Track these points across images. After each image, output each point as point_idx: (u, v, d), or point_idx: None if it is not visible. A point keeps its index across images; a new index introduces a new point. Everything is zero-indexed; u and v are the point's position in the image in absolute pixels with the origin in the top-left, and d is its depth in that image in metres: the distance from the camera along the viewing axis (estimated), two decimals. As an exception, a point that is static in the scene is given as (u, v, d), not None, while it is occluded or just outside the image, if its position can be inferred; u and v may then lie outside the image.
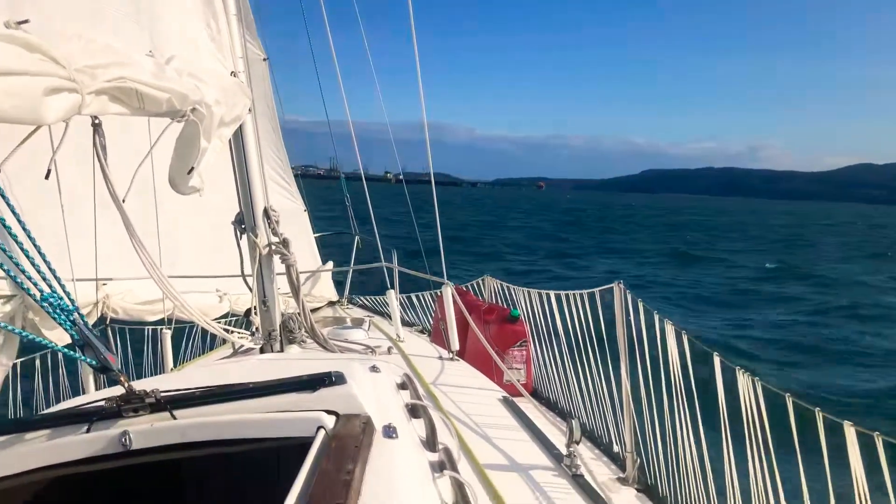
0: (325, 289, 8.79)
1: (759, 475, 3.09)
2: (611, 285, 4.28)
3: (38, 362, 6.19)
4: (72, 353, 1.88)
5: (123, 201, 2.55)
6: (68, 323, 1.84)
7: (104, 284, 5.13)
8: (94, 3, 2.89)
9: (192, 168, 2.89)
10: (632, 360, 4.26)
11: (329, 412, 2.00)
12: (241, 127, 4.07)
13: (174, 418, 1.99)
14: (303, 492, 1.54)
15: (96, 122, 2.31)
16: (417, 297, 10.04)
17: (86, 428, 1.97)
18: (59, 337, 5.13)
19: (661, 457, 4.04)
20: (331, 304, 8.85)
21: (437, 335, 6.73)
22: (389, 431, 2.02)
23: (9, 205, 1.93)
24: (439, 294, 7.28)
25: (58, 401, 5.70)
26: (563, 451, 2.63)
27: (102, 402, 2.01)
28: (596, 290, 4.75)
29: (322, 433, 1.90)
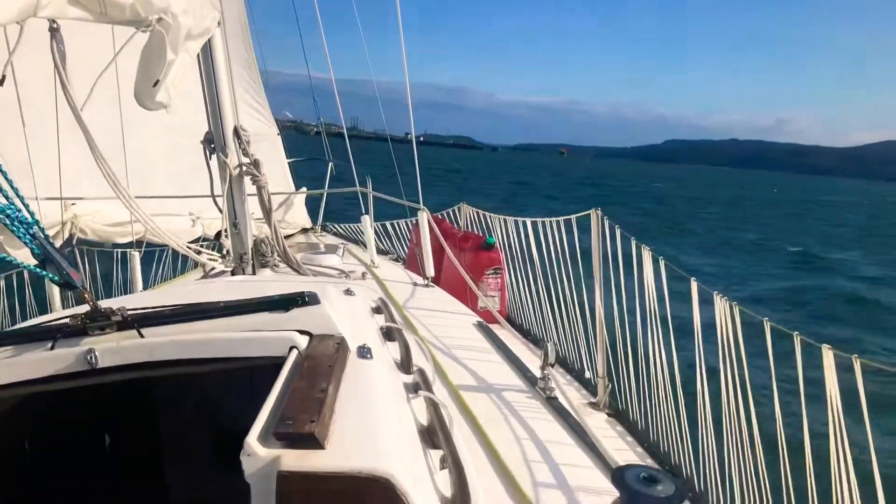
0: (298, 215, 8.69)
1: (732, 401, 3.13)
2: (588, 212, 4.26)
3: (2, 283, 6.08)
4: (33, 268, 1.80)
5: (81, 109, 2.41)
6: (28, 237, 1.76)
7: (72, 204, 5.00)
8: None
9: (158, 81, 2.76)
10: (606, 287, 4.27)
11: (302, 332, 1.96)
12: (209, 41, 3.91)
13: (142, 336, 1.94)
14: (275, 409, 1.51)
15: (54, 26, 2.17)
16: (392, 224, 9.98)
17: (50, 345, 1.91)
18: (26, 255, 5.04)
19: (633, 382, 4.08)
20: (304, 230, 8.77)
21: (412, 263, 6.70)
22: (364, 352, 2.00)
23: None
24: (415, 222, 7.23)
25: (24, 321, 5.64)
26: (538, 374, 2.63)
27: (67, 320, 1.95)
28: (573, 216, 4.73)
29: (295, 352, 1.86)
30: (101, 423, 3.13)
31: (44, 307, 6.08)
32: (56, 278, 1.86)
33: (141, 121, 4.38)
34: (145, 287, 5.58)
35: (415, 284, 4.45)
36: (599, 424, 3.94)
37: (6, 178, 1.78)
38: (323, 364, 1.77)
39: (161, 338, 1.93)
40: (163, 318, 2.00)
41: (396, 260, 7.89)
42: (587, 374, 4.58)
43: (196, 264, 4.91)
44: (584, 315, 4.83)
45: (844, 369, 2.45)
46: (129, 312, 1.97)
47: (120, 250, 6.44)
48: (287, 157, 8.97)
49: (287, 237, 8.48)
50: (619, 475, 1.48)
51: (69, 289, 1.90)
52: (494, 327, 3.97)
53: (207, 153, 4.14)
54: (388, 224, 10.02)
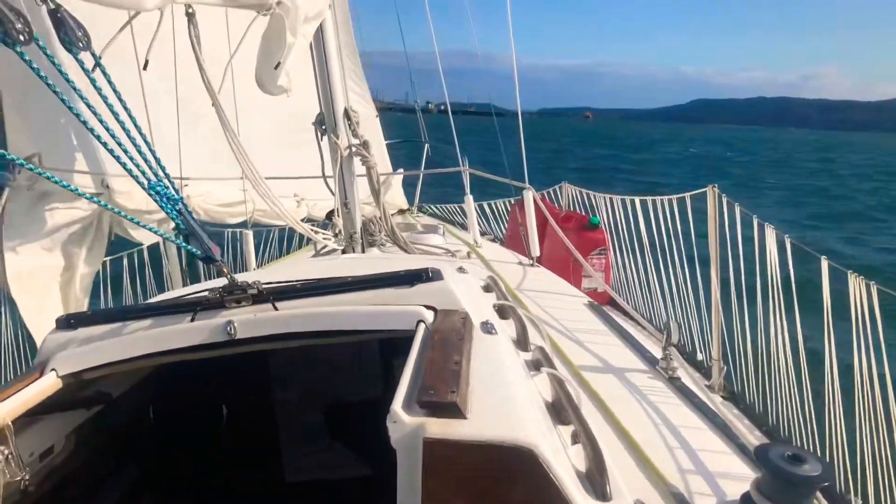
0: (395, 196, 8.78)
1: (865, 385, 2.98)
2: (704, 189, 4.12)
3: (125, 261, 6.38)
4: (180, 241, 1.88)
5: (218, 91, 2.51)
6: (174, 212, 1.84)
7: (186, 185, 5.20)
8: None
9: (279, 64, 2.84)
10: (723, 267, 4.14)
11: (427, 307, 1.99)
12: (321, 25, 3.98)
13: (276, 309, 2.00)
14: (413, 378, 1.54)
15: (190, 11, 2.26)
16: (490, 205, 9.96)
17: (190, 317, 2.00)
18: (143, 237, 5.23)
19: (751, 365, 3.95)
20: (401, 211, 8.87)
21: (512, 243, 6.68)
22: (488, 327, 2.01)
23: (118, 97, 1.91)
24: (513, 202, 7.19)
25: (145, 300, 5.92)
26: (657, 354, 2.58)
27: (206, 293, 2.03)
28: (686, 194, 4.59)
29: (423, 326, 1.89)
30: (221, 397, 3.27)
31: (161, 287, 6.37)
32: (199, 252, 1.94)
33: (246, 105, 4.51)
34: (259, 266, 5.77)
35: (521, 264, 4.44)
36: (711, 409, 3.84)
37: (155, 158, 1.86)
38: (452, 338, 1.79)
39: (295, 310, 1.99)
40: (296, 292, 2.06)
41: (494, 240, 7.88)
42: (699, 356, 4.47)
43: (305, 243, 5.03)
44: (697, 296, 4.70)
45: None
46: (264, 286, 2.04)
47: (230, 230, 6.65)
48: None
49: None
50: (762, 453, 1.44)
51: (210, 262, 1.98)
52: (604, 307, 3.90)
53: (319, 134, 4.23)
54: (484, 205, 10.01)
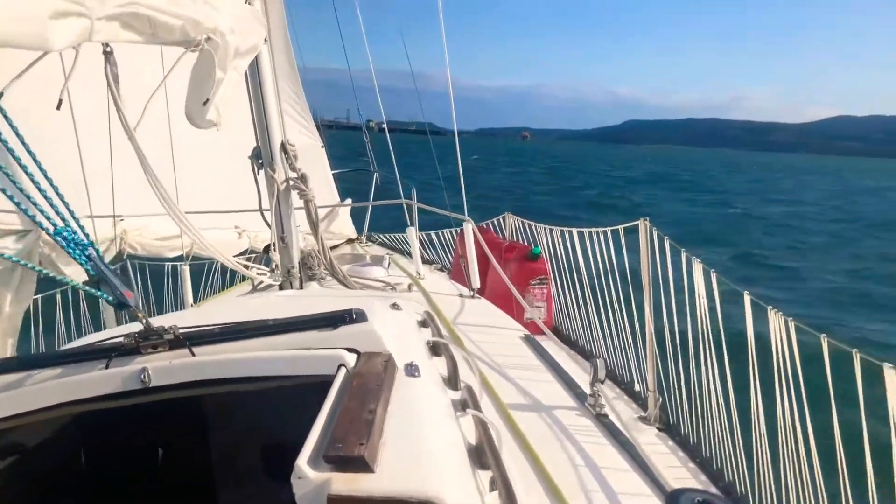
0: (343, 226, 8.76)
1: (787, 416, 3.04)
2: (636, 222, 4.19)
3: (59, 297, 6.22)
4: (88, 288, 1.83)
5: (135, 129, 2.46)
6: (83, 258, 1.79)
7: (121, 220, 5.11)
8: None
9: (207, 100, 2.80)
10: (656, 299, 4.20)
11: (350, 350, 1.96)
12: (256, 58, 3.96)
13: (193, 355, 1.96)
14: (324, 430, 1.51)
15: (107, 49, 2.22)
16: (437, 234, 9.97)
17: (104, 364, 1.94)
18: (77, 273, 5.14)
19: (684, 396, 4.00)
20: (349, 241, 8.83)
21: (457, 273, 6.69)
22: (412, 370, 1.99)
23: (19, 137, 1.86)
24: (459, 231, 7.21)
25: (79, 337, 5.77)
26: (587, 390, 2.59)
27: (121, 339, 1.98)
28: (620, 226, 4.67)
29: (343, 371, 1.86)
30: (154, 442, 3.18)
31: (97, 321, 6.21)
32: (110, 298, 1.89)
33: (186, 137, 4.45)
34: (196, 300, 5.66)
35: (461, 296, 4.44)
36: (650, 440, 3.87)
37: (63, 202, 1.82)
38: (371, 383, 1.77)
39: (212, 356, 1.95)
40: (214, 337, 2.01)
41: (441, 270, 7.89)
42: (637, 388, 4.51)
43: (244, 276, 4.97)
44: (633, 327, 4.75)
45: None
46: (181, 331, 1.99)
47: (170, 264, 6.54)
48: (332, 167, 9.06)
49: (333, 248, 8.57)
50: (673, 500, 1.44)
51: (123, 308, 1.93)
52: (541, 339, 3.91)
53: (255, 168, 4.19)
54: (433, 234, 10.02)
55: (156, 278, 7.02)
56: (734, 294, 3.42)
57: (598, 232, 5.15)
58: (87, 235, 1.82)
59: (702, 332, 3.71)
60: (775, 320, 3.03)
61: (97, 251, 1.85)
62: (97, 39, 2.02)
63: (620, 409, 4.42)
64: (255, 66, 3.99)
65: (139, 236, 5.33)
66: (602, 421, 2.38)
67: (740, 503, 2.85)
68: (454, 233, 8.98)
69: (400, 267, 5.36)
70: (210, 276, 7.83)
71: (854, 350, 2.50)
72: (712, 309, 3.65)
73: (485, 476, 1.66)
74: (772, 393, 3.12)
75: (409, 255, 8.07)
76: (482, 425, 1.89)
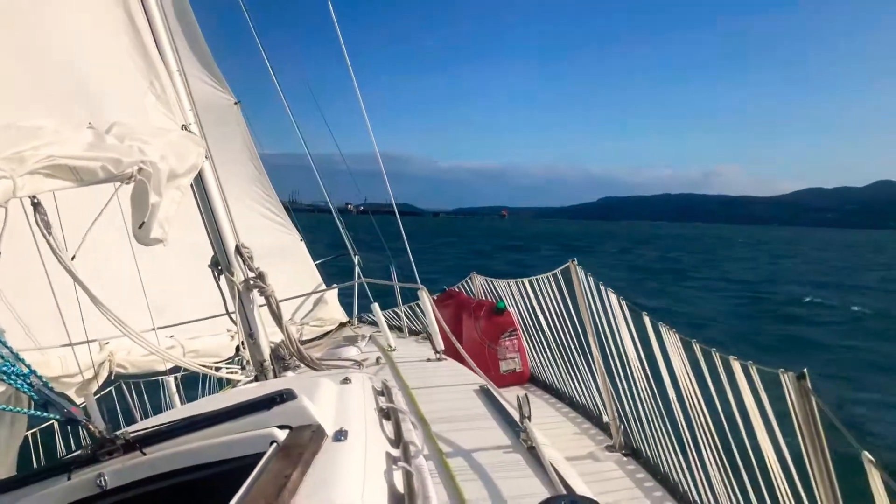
0: (332, 311, 8.97)
1: (703, 425, 3.24)
2: (566, 264, 4.44)
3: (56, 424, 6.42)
4: (35, 412, 2.07)
5: (73, 258, 2.73)
6: (26, 386, 2.03)
7: (106, 343, 5.36)
8: (35, 87, 3.12)
9: (143, 224, 3.08)
10: (602, 332, 4.41)
11: (282, 427, 2.17)
12: (201, 173, 4.25)
13: (144, 455, 2.18)
14: (242, 497, 1.71)
15: (35, 201, 2.50)
16: (420, 305, 10.15)
17: (66, 476, 2.16)
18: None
19: (644, 422, 4.18)
20: (341, 325, 9.03)
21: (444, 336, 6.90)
22: (339, 435, 2.19)
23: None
24: (435, 298, 7.46)
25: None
26: (518, 426, 2.79)
27: (79, 452, 2.20)
28: (557, 270, 4.91)
29: (274, 446, 2.07)
30: None
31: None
32: (59, 417, 2.12)
33: (164, 251, 4.71)
34: None
35: (427, 360, 4.65)
36: (610, 466, 4.04)
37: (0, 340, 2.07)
38: (294, 452, 1.98)
39: (160, 453, 2.17)
40: (161, 436, 2.23)
41: (425, 339, 8.09)
42: (605, 419, 4.68)
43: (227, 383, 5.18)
44: (589, 361, 4.95)
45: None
46: (132, 434, 2.22)
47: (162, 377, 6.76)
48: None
49: (326, 334, 8.80)
50: None
51: (72, 425, 2.16)
52: (516, 387, 4.09)
53: (216, 275, 4.46)
54: (415, 305, 10.23)
55: (153, 392, 7.24)
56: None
57: (543, 278, 5.40)
58: (28, 366, 2.07)
59: (632, 359, 3.92)
60: (671, 338, 3.26)
61: (39, 377, 2.09)
62: (22, 195, 2.30)
63: (589, 440, 4.60)
64: (199, 181, 4.27)
65: (127, 356, 5.57)
66: (532, 454, 2.56)
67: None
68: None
69: (376, 343, 5.59)
70: (207, 381, 8.03)
71: (750, 362, 2.70)
72: (645, 339, 3.87)
73: None
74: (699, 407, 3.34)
75: (399, 329, 8.30)
76: (407, 476, 2.09)
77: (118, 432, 2.24)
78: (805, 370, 2.09)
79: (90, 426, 2.21)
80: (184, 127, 4.15)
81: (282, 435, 2.12)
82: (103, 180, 2.86)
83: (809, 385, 2.08)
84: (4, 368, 1.97)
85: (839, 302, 30.04)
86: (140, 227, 3.08)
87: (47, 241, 2.56)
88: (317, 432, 2.15)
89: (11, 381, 1.99)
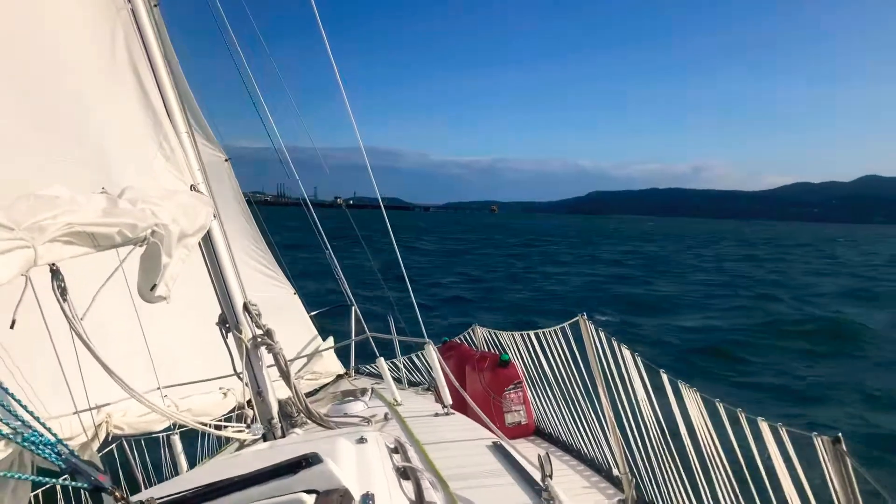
0: (329, 364, 8.92)
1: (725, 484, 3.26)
2: (576, 318, 4.45)
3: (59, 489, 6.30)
4: (65, 482, 2.05)
5: (82, 319, 2.73)
6: (53, 455, 2.02)
7: (105, 405, 5.30)
8: (46, 155, 3.14)
9: (154, 286, 3.09)
10: (613, 385, 4.41)
11: (310, 491, 2.15)
12: (209, 232, 4.26)
13: None
14: None
15: (54, 268, 2.51)
16: (418, 356, 10.14)
17: None
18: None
19: (658, 475, 4.15)
20: (338, 377, 8.97)
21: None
22: (366, 499, 2.18)
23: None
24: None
25: None
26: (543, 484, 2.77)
27: None
28: (565, 324, 4.93)
29: None
30: None
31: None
32: (87, 485, 2.10)
33: (161, 306, 4.71)
34: (191, 466, 5.77)
35: (436, 415, 4.62)
36: None
37: (27, 410, 2.06)
38: None
39: None
40: (187, 502, 2.21)
41: (428, 389, 8.04)
42: (615, 472, 4.65)
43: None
44: (598, 414, 4.93)
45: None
46: (158, 500, 2.19)
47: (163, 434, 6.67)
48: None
49: (323, 387, 8.73)
50: None
51: (100, 492, 2.14)
52: (517, 442, 4.06)
53: (223, 333, 4.44)
54: (413, 357, 10.19)
55: (153, 451, 7.14)
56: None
57: (550, 331, 5.41)
58: (54, 435, 2.06)
59: (645, 411, 3.93)
60: (689, 395, 3.28)
61: (66, 446, 2.07)
62: (43, 263, 2.32)
63: (599, 495, 4.57)
64: (207, 239, 4.29)
65: (123, 417, 5.50)
66: None
67: None
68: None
69: (381, 397, 5.55)
70: (206, 439, 7.93)
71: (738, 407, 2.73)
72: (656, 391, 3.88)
73: None
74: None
75: (398, 381, 8.25)
76: None
77: (144, 497, 2.21)
78: (839, 434, 2.10)
79: (116, 493, 2.19)
80: (192, 187, 4.19)
81: (310, 501, 2.11)
82: (119, 244, 2.87)
83: (845, 448, 2.08)
84: (32, 438, 1.96)
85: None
86: (151, 289, 3.09)
87: (62, 309, 2.56)
88: (345, 496, 2.14)
89: (40, 452, 1.98)
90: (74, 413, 4.22)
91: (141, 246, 3.10)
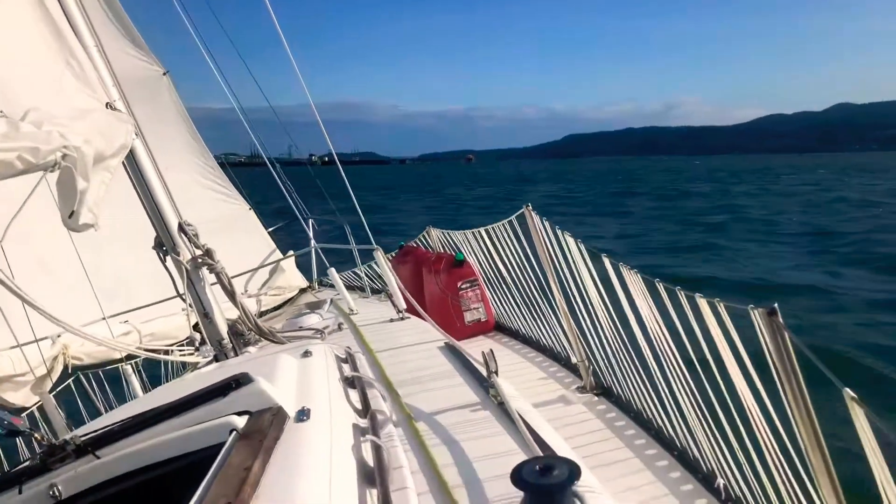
0: (291, 278, 8.85)
1: (675, 367, 3.26)
2: (521, 210, 4.38)
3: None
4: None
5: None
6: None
7: (59, 336, 5.18)
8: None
9: (73, 213, 2.91)
10: (563, 274, 4.39)
11: (241, 413, 2.07)
12: (132, 152, 4.05)
13: (98, 458, 2.06)
14: (201, 496, 1.62)
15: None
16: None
17: (17, 490, 2.04)
18: (23, 398, 5.16)
19: (613, 362, 4.16)
20: (302, 290, 8.91)
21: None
22: (302, 415, 2.10)
23: None
24: (393, 256, 7.38)
25: None
26: (485, 381, 2.74)
27: (28, 462, 2.08)
28: (513, 217, 4.86)
29: (234, 435, 1.96)
30: None
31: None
32: (1, 430, 2.00)
33: (109, 234, 4.53)
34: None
35: (391, 321, 4.57)
36: (581, 409, 4.05)
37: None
38: (255, 440, 1.88)
39: (114, 454, 2.05)
40: (114, 436, 2.11)
41: (386, 298, 8.01)
42: (573, 360, 4.68)
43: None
44: (554, 305, 4.93)
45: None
46: (82, 438, 2.09)
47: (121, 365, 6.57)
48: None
49: (289, 300, 8.67)
50: (515, 474, 1.56)
51: (16, 435, 2.04)
52: (482, 337, 4.01)
53: (161, 256, 4.29)
54: (373, 263, 10.12)
55: (116, 381, 7.05)
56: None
57: (500, 226, 5.35)
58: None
59: (595, 300, 3.91)
60: (631, 277, 3.24)
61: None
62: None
63: (560, 383, 4.61)
64: (131, 160, 4.08)
65: (81, 347, 5.40)
66: (501, 409, 2.51)
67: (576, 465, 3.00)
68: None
69: (337, 307, 5.49)
70: (168, 365, 7.87)
71: (717, 299, 2.67)
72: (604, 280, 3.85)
73: (375, 494, 1.79)
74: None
75: (362, 289, 8.20)
76: (376, 448, 2.02)
77: (68, 437, 2.12)
78: (776, 305, 2.05)
79: (35, 435, 2.09)
80: (108, 105, 3.94)
81: (241, 422, 2.02)
82: (23, 171, 2.68)
83: (781, 320, 2.04)
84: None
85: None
86: (70, 215, 2.91)
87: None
88: (277, 415, 2.06)
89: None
90: (16, 346, 4.10)
91: (52, 171, 2.90)
